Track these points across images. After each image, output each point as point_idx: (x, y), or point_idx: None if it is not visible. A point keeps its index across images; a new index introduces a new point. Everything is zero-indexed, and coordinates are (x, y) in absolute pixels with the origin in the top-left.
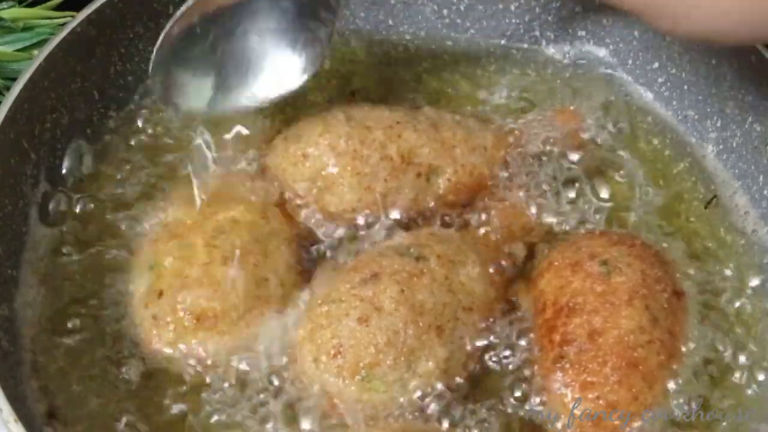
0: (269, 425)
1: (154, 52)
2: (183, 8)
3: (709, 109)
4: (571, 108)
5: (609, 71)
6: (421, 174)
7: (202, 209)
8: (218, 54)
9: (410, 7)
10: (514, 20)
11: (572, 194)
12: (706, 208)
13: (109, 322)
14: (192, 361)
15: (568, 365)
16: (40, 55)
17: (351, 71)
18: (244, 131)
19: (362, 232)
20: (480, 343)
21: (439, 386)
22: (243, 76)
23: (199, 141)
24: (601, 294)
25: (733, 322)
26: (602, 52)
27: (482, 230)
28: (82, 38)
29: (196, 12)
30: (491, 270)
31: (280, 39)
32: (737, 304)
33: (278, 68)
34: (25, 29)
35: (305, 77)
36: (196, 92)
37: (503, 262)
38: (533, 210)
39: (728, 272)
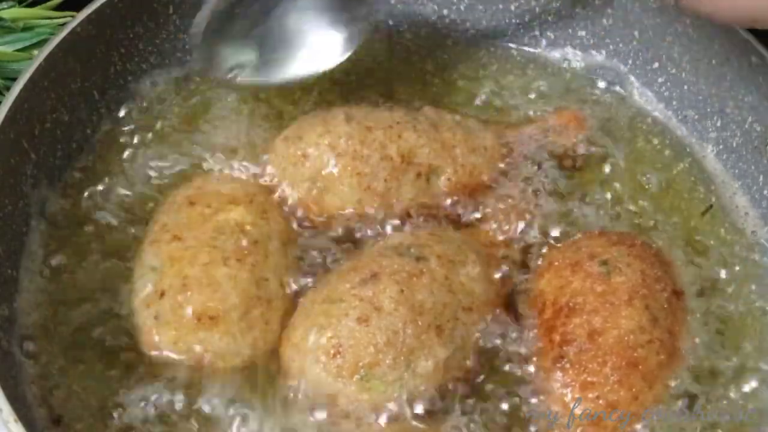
0: (269, 425)
1: (192, 27)
2: None
3: (709, 109)
4: (572, 108)
5: (609, 71)
6: (421, 174)
7: (202, 210)
8: (258, 31)
9: (410, 7)
10: (514, 20)
11: (572, 194)
12: (703, 215)
13: (110, 322)
14: (193, 361)
15: (568, 365)
16: (40, 55)
17: (351, 71)
18: (244, 131)
19: (362, 232)
20: (480, 343)
21: (439, 386)
22: (282, 52)
23: None
24: (601, 294)
25: (733, 321)
26: (602, 53)
27: (482, 230)
28: (82, 38)
29: None
30: (491, 270)
31: (320, 17)
32: (737, 304)
33: (318, 45)
34: (25, 29)
35: (345, 54)
36: (237, 67)
37: (503, 262)
38: (533, 210)
39: (728, 272)
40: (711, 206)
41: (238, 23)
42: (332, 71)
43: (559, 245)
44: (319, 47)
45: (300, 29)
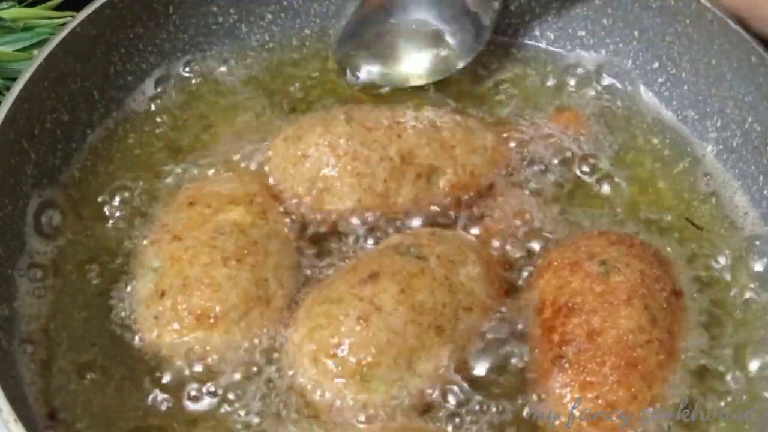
0: (268, 425)
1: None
2: None
3: (709, 109)
4: (572, 108)
5: (609, 71)
6: (421, 174)
7: (202, 210)
8: (392, 33)
9: None
10: (514, 20)
11: (571, 194)
12: (689, 221)
13: (110, 322)
14: (192, 361)
15: (567, 365)
16: (40, 55)
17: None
18: (244, 131)
19: (362, 232)
20: (479, 342)
21: (439, 386)
22: (412, 55)
23: None
24: (600, 294)
25: (732, 321)
26: (602, 52)
27: (482, 230)
28: (82, 38)
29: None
30: (491, 270)
31: (449, 19)
32: (736, 304)
33: (446, 47)
34: (25, 29)
35: (469, 59)
36: (372, 69)
37: (502, 262)
38: (533, 210)
39: (727, 272)
40: (689, 219)
41: (374, 27)
42: (329, 71)
43: (558, 245)
44: (446, 50)
45: (428, 34)
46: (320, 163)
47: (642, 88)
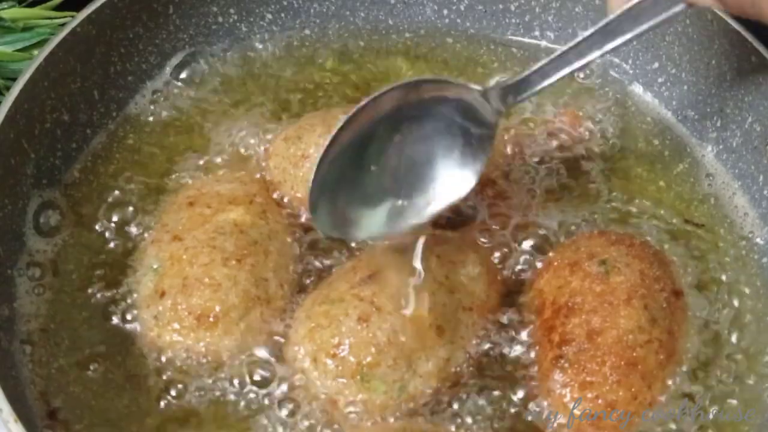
0: (268, 425)
1: (310, 184)
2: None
3: (709, 109)
4: (571, 108)
5: (609, 71)
6: None
7: (202, 210)
8: (380, 176)
9: (410, 7)
10: (514, 20)
11: (571, 194)
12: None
13: (110, 322)
14: (192, 361)
15: (567, 365)
16: (40, 55)
17: (351, 71)
18: (244, 132)
19: None
20: (480, 343)
21: (439, 386)
22: (408, 195)
23: None
24: (600, 294)
25: (732, 321)
26: None
27: (482, 230)
28: (82, 38)
29: (348, 133)
30: (490, 270)
31: (444, 152)
32: (736, 304)
33: (441, 183)
34: (25, 29)
35: (467, 190)
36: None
37: (502, 262)
38: (532, 209)
39: (727, 272)
40: (689, 221)
41: (356, 169)
42: (329, 71)
43: (558, 245)
44: (442, 185)
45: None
46: None
47: (642, 89)
